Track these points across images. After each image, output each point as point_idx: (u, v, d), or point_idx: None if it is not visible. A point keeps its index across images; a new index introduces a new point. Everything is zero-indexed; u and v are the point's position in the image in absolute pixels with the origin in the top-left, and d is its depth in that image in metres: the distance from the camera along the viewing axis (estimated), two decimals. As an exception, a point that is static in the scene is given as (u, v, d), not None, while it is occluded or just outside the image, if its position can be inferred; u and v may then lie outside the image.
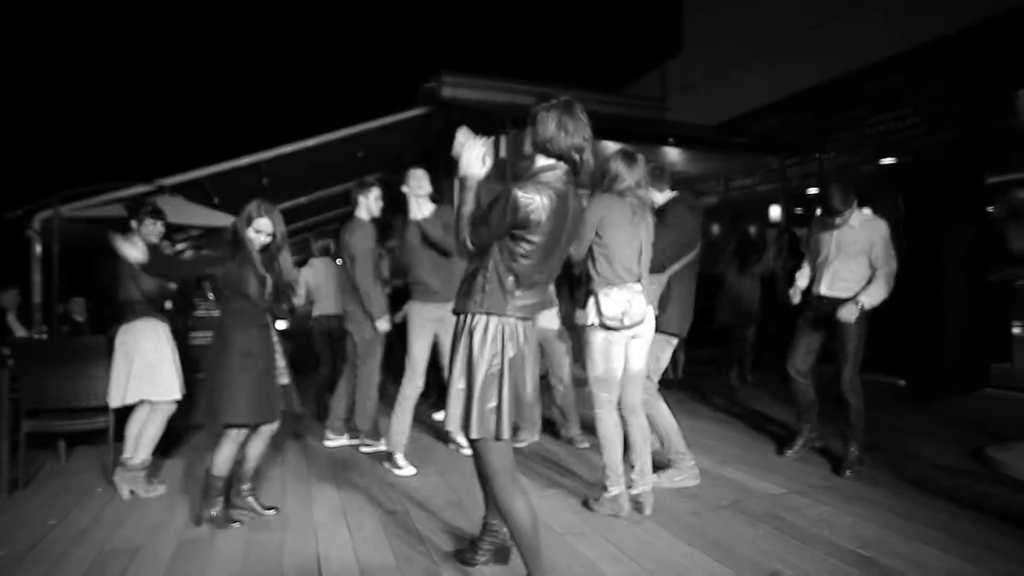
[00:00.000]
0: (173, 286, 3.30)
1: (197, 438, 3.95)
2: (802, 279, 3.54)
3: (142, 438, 3.08)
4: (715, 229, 8.51)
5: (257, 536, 2.55)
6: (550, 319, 3.87)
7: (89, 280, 5.82)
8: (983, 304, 5.13)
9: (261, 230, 2.64)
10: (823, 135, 6.71)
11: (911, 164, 5.76)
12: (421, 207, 3.39)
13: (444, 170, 5.68)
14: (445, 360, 3.14)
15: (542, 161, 1.88)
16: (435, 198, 3.48)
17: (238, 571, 2.26)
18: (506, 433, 1.82)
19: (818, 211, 3.42)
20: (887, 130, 6.05)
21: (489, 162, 1.89)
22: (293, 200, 8.02)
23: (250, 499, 2.78)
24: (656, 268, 2.81)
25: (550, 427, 4.00)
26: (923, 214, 5.33)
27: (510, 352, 1.83)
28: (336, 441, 3.94)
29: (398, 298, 4.49)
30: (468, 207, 1.86)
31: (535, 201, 1.76)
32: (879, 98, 6.08)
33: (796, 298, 3.51)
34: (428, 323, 3.35)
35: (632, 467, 2.74)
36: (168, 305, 3.39)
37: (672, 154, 6.84)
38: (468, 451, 3.58)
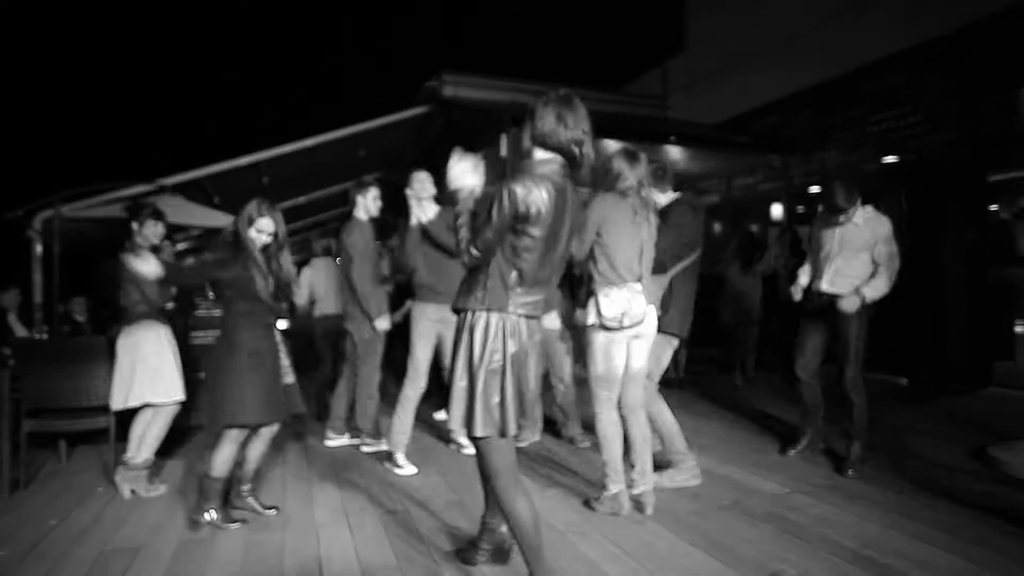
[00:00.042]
0: (175, 290, 3.30)
1: (198, 438, 3.95)
2: (804, 276, 3.53)
3: (146, 438, 3.09)
4: (717, 228, 8.50)
5: (258, 536, 2.55)
6: (551, 319, 3.87)
7: (90, 280, 5.82)
8: (984, 303, 5.13)
9: (263, 230, 2.64)
10: (824, 134, 6.71)
11: (913, 162, 5.75)
12: (426, 209, 3.39)
13: (445, 170, 5.66)
14: (446, 360, 3.14)
15: (539, 155, 1.87)
16: (439, 199, 3.48)
17: (239, 571, 2.26)
18: (512, 428, 1.81)
19: (820, 208, 3.41)
20: (888, 129, 6.04)
21: (480, 172, 1.90)
22: (293, 200, 8.02)
23: (250, 499, 2.78)
24: (658, 269, 2.80)
25: (551, 426, 4.00)
26: (924, 213, 5.32)
27: (511, 348, 1.81)
28: (337, 441, 3.94)
29: (400, 296, 4.50)
30: (465, 218, 1.85)
31: (533, 192, 1.75)
32: (880, 97, 6.07)
33: (797, 295, 3.50)
34: (432, 324, 3.35)
35: (633, 467, 2.74)
36: (169, 305, 3.39)
37: (674, 152, 6.83)
38: (469, 451, 3.58)
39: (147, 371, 3.08)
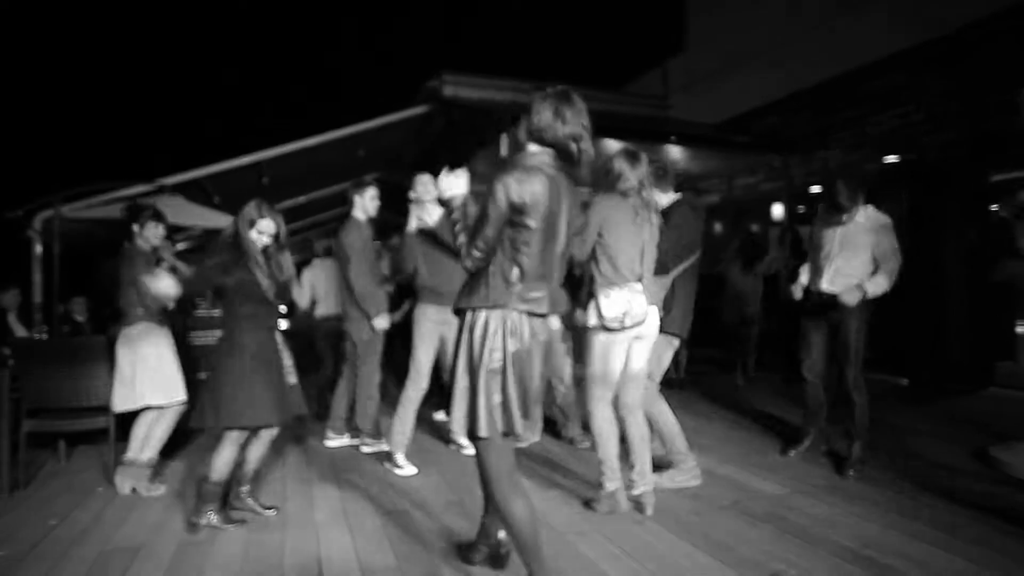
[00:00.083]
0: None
1: (198, 439, 3.94)
2: (804, 275, 3.53)
3: (150, 439, 3.09)
4: (718, 228, 8.50)
5: (258, 536, 2.55)
6: (551, 319, 3.86)
7: (90, 280, 5.82)
8: (985, 303, 5.12)
9: (264, 231, 2.63)
10: (824, 134, 6.71)
11: (913, 162, 5.75)
12: (430, 212, 3.39)
13: (446, 169, 5.66)
14: (447, 361, 3.14)
15: (532, 149, 1.87)
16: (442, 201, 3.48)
17: (238, 571, 2.26)
18: (518, 428, 1.80)
19: (821, 207, 3.40)
20: (888, 128, 6.04)
21: (466, 180, 1.93)
22: (293, 200, 8.01)
23: (249, 500, 2.77)
24: (660, 270, 2.80)
25: (551, 427, 4.00)
26: (924, 213, 5.32)
27: (512, 347, 1.80)
28: (337, 441, 3.93)
29: (400, 296, 4.49)
30: (461, 224, 1.86)
31: (525, 182, 1.76)
32: (880, 97, 6.07)
33: (797, 294, 3.50)
34: (434, 326, 3.35)
35: (632, 467, 2.74)
36: (170, 306, 3.39)
37: (674, 152, 6.83)
38: (469, 451, 3.58)
39: (147, 372, 3.08)
